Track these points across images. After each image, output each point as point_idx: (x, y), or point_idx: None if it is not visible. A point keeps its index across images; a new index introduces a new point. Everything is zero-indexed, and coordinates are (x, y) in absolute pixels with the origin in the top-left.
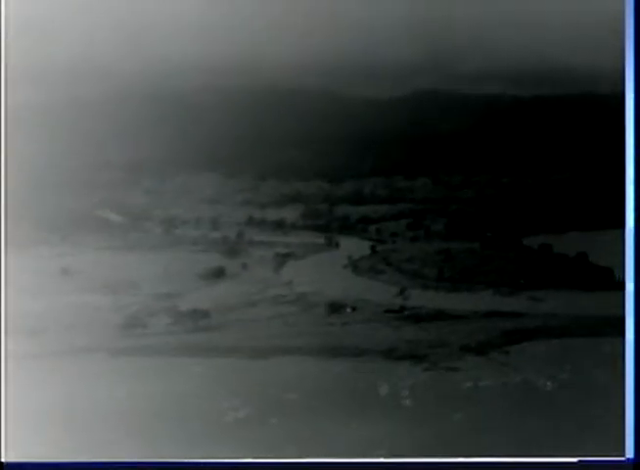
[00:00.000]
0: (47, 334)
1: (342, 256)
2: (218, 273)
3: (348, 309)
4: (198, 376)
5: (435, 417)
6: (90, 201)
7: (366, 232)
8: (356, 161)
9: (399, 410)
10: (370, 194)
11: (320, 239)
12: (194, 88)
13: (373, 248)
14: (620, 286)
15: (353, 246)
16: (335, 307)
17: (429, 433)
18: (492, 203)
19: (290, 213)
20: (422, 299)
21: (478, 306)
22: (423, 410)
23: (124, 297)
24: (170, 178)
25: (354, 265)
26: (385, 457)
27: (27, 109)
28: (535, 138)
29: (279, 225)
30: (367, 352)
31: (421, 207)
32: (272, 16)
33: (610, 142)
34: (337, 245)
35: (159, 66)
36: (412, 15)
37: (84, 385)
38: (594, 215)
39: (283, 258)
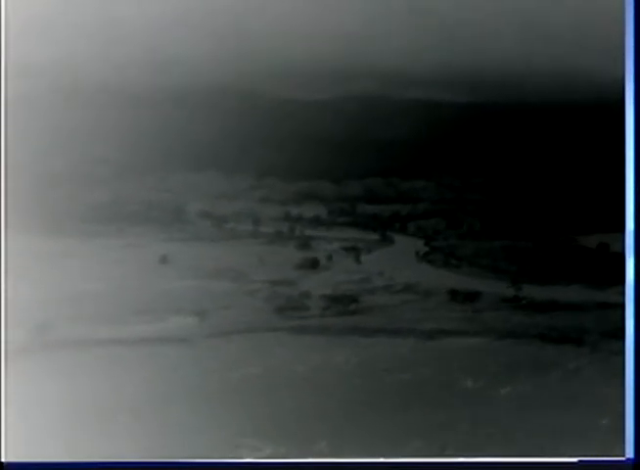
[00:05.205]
0: (210, 315)
1: (407, 251)
2: (314, 264)
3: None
4: (391, 354)
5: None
6: (107, 196)
7: (406, 230)
8: (360, 161)
9: (599, 385)
10: (381, 194)
11: (370, 235)
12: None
13: (428, 244)
14: None
15: (407, 242)
16: (454, 295)
17: None
18: (510, 205)
19: (314, 211)
20: (523, 290)
21: (583, 298)
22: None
23: (245, 283)
24: (169, 176)
25: (427, 260)
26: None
27: (28, 101)
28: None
29: (317, 221)
30: (524, 336)
31: (441, 207)
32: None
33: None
34: (392, 241)
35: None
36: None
37: (273, 360)
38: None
39: (355, 252)
